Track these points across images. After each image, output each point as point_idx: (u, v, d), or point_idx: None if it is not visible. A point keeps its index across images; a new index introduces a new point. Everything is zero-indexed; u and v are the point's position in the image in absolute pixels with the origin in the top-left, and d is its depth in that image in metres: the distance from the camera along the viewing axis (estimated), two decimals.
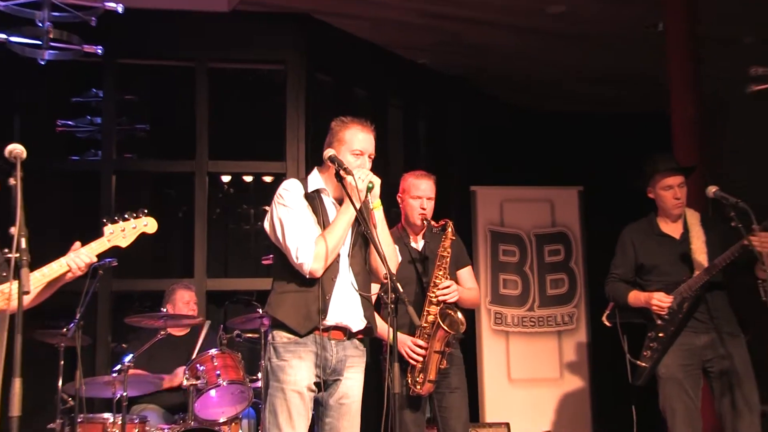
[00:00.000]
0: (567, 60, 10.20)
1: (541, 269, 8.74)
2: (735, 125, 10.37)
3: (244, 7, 8.57)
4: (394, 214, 8.58)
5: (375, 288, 4.77)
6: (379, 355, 5.78)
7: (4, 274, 4.31)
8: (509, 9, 8.79)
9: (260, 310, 6.53)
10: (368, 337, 4.68)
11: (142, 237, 4.89)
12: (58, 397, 6.42)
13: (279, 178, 5.50)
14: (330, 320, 4.35)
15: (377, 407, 4.41)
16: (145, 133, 9.35)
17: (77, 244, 4.58)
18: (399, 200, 5.83)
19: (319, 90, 8.88)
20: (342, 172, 4.31)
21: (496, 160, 10.68)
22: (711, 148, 7.52)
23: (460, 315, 5.52)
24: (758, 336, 5.67)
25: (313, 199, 4.53)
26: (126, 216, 4.73)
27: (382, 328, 5.23)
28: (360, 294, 4.50)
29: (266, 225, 4.57)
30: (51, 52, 5.14)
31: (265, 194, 4.63)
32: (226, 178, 9.12)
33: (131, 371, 6.47)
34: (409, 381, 5.45)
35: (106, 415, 6.45)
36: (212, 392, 6.45)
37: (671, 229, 5.85)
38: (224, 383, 6.40)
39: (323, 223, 4.46)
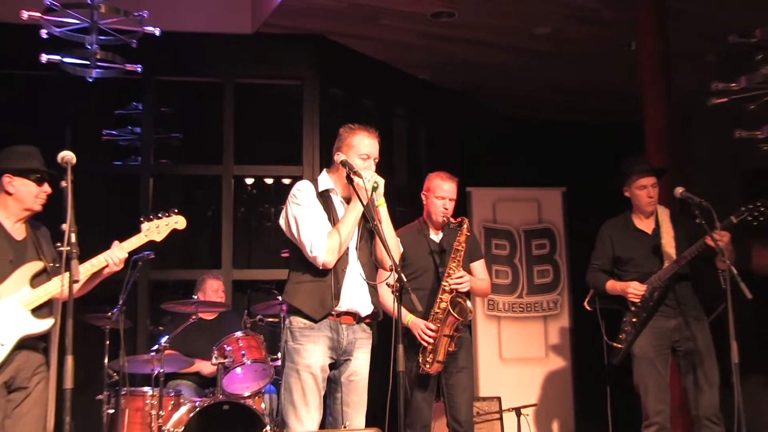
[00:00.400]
0: (551, 75, 10.20)
1: (529, 261, 8.72)
2: (699, 133, 10.37)
3: (266, 30, 8.60)
4: (398, 213, 8.64)
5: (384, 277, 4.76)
6: (385, 338, 5.80)
7: (57, 265, 4.39)
8: (501, 31, 8.80)
9: (279, 298, 6.55)
10: (374, 321, 4.68)
11: (174, 232, 4.97)
12: (105, 372, 6.51)
13: (296, 180, 5.55)
14: (342, 306, 4.38)
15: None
16: (179, 141, 9.34)
17: (116, 242, 4.66)
18: (423, 197, 5.79)
19: (332, 102, 8.88)
20: (352, 174, 4.32)
21: (489, 164, 10.67)
22: (678, 153, 7.52)
23: (469, 304, 5.53)
24: (719, 319, 5.69)
25: (324, 198, 4.54)
26: (160, 215, 4.84)
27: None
28: (367, 282, 4.51)
29: (281, 222, 4.59)
30: (97, 70, 5.13)
31: (284, 195, 4.65)
32: (249, 181, 9.13)
33: (167, 351, 6.55)
34: (420, 360, 5.44)
35: (146, 388, 6.54)
36: (238, 370, 6.50)
37: (644, 225, 5.89)
38: (248, 362, 6.46)
39: (333, 219, 4.48)
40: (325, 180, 4.62)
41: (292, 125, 8.79)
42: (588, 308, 6.05)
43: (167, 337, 6.67)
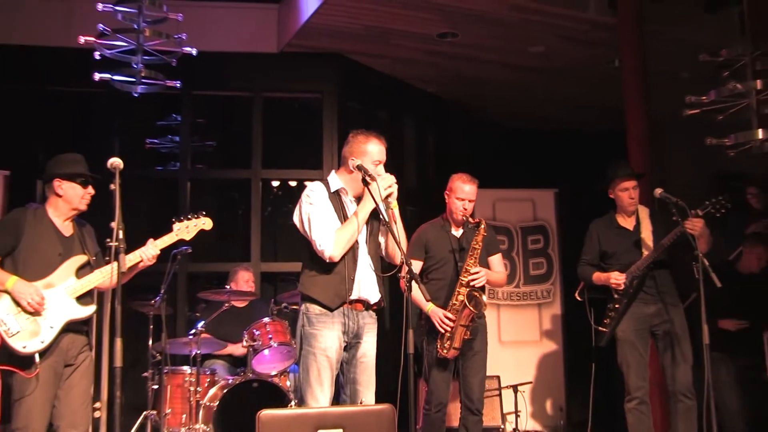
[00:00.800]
0: (545, 89, 10.20)
1: (525, 254, 8.68)
2: (674, 141, 10.34)
3: (290, 49, 8.64)
4: (408, 212, 8.69)
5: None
6: (418, 321, 5.83)
7: (107, 258, 4.46)
8: (499, 50, 8.83)
9: None
10: (379, 308, 4.63)
11: (203, 232, 5.02)
12: (149, 353, 6.62)
13: None
14: (354, 295, 4.36)
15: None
16: (213, 149, 9.31)
17: (150, 240, 4.69)
18: (446, 196, 5.76)
19: (349, 113, 8.87)
20: (368, 179, 4.31)
21: (489, 168, 10.65)
22: (657, 158, 7.54)
23: (484, 298, 5.56)
24: (693, 305, 5.73)
25: (335, 197, 4.50)
26: (190, 216, 4.88)
27: (420, 299, 5.24)
28: (376, 274, 4.50)
29: (295, 219, 4.56)
30: (142, 86, 5.18)
31: None
32: (275, 183, 9.17)
33: (203, 335, 6.60)
34: (438, 346, 5.45)
35: (185, 367, 6.61)
36: (266, 351, 6.56)
37: (627, 222, 5.90)
38: (275, 344, 6.51)
39: (344, 216, 4.43)
40: (336, 181, 4.57)
41: (314, 134, 8.81)
42: (578, 298, 6.07)
43: (203, 322, 6.72)
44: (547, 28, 8.27)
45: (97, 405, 6.62)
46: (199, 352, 6.44)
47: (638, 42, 7.49)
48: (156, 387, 6.59)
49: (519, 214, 8.82)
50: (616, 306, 5.73)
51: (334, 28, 8.15)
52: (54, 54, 8.14)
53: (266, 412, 3.62)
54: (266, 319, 6.65)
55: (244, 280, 7.37)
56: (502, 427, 7.56)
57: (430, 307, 5.45)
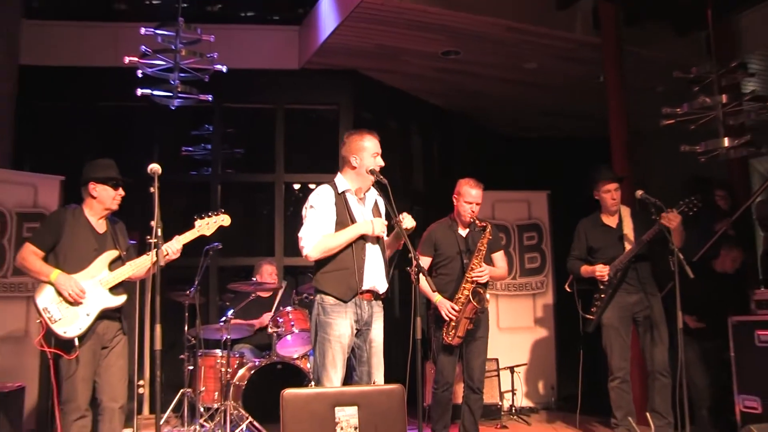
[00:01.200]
0: (538, 101, 10.24)
1: (521, 250, 8.61)
2: (652, 147, 10.35)
3: (310, 66, 8.71)
4: (415, 212, 8.67)
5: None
6: (427, 311, 5.88)
7: (148, 253, 4.53)
8: (497, 66, 8.87)
9: None
10: (387, 297, 4.61)
11: (237, 228, 5.04)
12: (185, 338, 6.62)
13: None
14: (364, 286, 4.36)
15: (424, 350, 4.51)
16: (241, 155, 9.39)
17: (176, 236, 4.69)
18: (454, 199, 5.71)
19: (362, 123, 8.76)
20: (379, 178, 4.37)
21: (489, 172, 10.66)
22: (637, 163, 7.57)
23: (488, 295, 5.59)
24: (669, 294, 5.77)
25: (341, 198, 4.46)
26: (210, 214, 4.86)
27: (428, 291, 5.34)
28: (384, 268, 4.49)
29: (303, 215, 4.54)
30: (178, 100, 5.22)
31: None
32: (296, 186, 9.18)
33: (232, 321, 6.60)
34: (444, 333, 5.47)
35: (217, 351, 6.63)
36: (288, 337, 6.55)
37: (610, 221, 5.94)
38: (297, 330, 6.50)
39: (349, 215, 4.41)
40: (343, 182, 4.52)
41: (330, 142, 8.80)
42: (568, 290, 6.09)
43: (232, 310, 6.74)
44: (540, 47, 8.33)
45: (141, 383, 6.75)
46: (229, 337, 6.45)
47: (620, 60, 7.55)
48: (191, 368, 6.63)
49: (515, 214, 8.77)
50: (602, 296, 5.78)
51: (349, 47, 8.21)
52: (102, 73, 8.26)
53: (289, 391, 3.68)
54: (288, 308, 6.65)
55: (268, 272, 7.39)
56: (500, 403, 7.56)
57: (438, 298, 5.45)
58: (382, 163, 4.48)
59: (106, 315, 4.62)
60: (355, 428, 3.71)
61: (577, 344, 6.23)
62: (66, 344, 4.46)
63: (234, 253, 8.57)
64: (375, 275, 4.43)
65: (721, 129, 5.73)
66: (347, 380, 4.51)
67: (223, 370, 6.44)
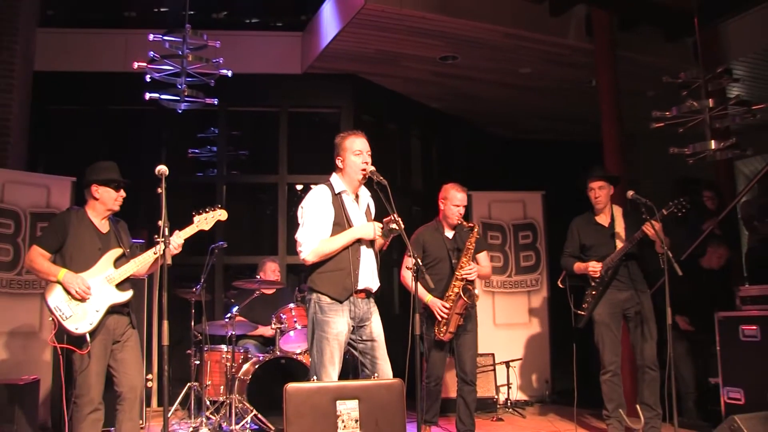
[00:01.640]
0: (532, 105, 10.25)
1: (516, 248, 8.60)
2: (643, 150, 10.38)
3: (312, 70, 8.73)
4: (414, 212, 8.69)
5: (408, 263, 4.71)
6: (404, 311, 5.90)
7: (136, 249, 4.60)
8: (493, 70, 8.90)
9: None
10: (377, 294, 4.60)
11: (231, 228, 5.04)
12: (192, 333, 6.66)
13: None
14: (360, 285, 4.35)
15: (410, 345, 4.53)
16: (245, 157, 9.41)
17: (176, 231, 4.68)
18: (441, 204, 5.78)
19: (363, 126, 8.74)
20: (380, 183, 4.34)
21: (486, 173, 10.69)
22: (628, 165, 7.58)
23: (477, 291, 5.64)
24: (659, 291, 5.78)
25: (337, 198, 4.45)
26: (207, 209, 4.88)
27: (421, 292, 5.42)
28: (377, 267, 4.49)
29: (299, 215, 4.53)
30: (185, 104, 5.21)
31: None
32: (299, 187, 9.12)
33: (237, 318, 6.63)
34: (436, 330, 5.54)
35: (222, 346, 6.64)
36: (291, 333, 6.56)
37: (602, 219, 5.92)
38: (299, 327, 6.52)
39: (345, 216, 4.41)
40: (338, 183, 4.52)
41: (332, 144, 8.77)
42: (561, 285, 6.09)
43: (237, 307, 6.77)
44: (535, 53, 8.35)
45: (149, 377, 6.75)
46: (234, 332, 6.47)
47: (612, 65, 7.59)
48: (198, 362, 6.64)
49: (511, 214, 8.77)
50: (593, 293, 5.78)
51: (350, 52, 8.23)
52: (112, 78, 8.32)
53: (292, 385, 3.70)
54: (291, 305, 6.66)
55: (272, 270, 7.39)
56: (496, 397, 7.56)
57: (429, 298, 5.52)
58: (368, 160, 4.45)
59: (114, 310, 4.64)
60: (356, 421, 3.73)
61: (570, 339, 6.22)
62: (78, 340, 4.48)
63: (239, 252, 8.57)
64: (368, 275, 4.42)
65: (708, 132, 5.75)
66: (355, 375, 4.54)
67: (228, 364, 6.45)
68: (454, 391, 5.87)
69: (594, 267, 5.73)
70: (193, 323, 6.65)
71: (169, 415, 5.18)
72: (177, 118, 6.44)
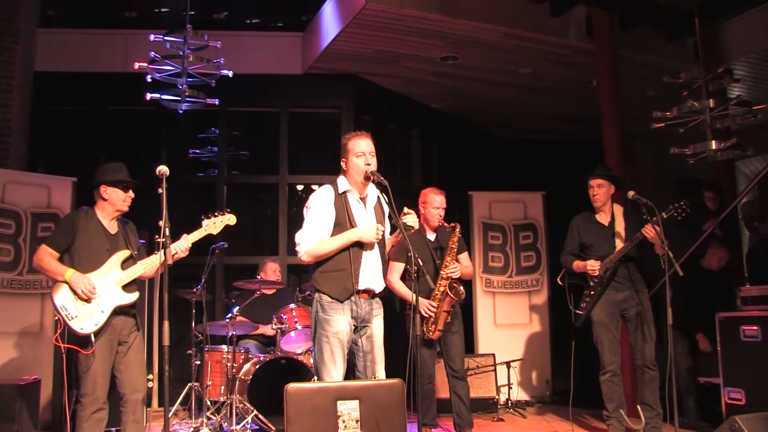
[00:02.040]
0: (533, 105, 10.24)
1: (517, 249, 8.59)
2: (644, 150, 10.38)
3: (313, 71, 8.72)
4: (415, 212, 8.64)
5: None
6: (404, 311, 5.94)
7: (156, 252, 4.58)
8: (493, 70, 8.89)
9: None
10: (386, 296, 4.61)
11: (241, 227, 5.07)
12: (192, 333, 6.65)
13: None
14: (361, 286, 4.34)
15: (404, 345, 4.55)
16: (246, 157, 9.41)
17: (184, 234, 4.75)
18: (421, 208, 5.87)
19: (363, 126, 8.74)
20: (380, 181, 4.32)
21: (486, 173, 10.69)
22: (629, 165, 7.58)
23: (462, 288, 5.68)
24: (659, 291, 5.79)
25: (341, 198, 4.42)
26: (216, 213, 4.91)
27: (407, 293, 5.61)
28: (381, 267, 4.47)
29: (304, 214, 4.53)
30: (186, 104, 5.24)
31: None
32: (300, 187, 9.18)
33: (238, 318, 6.67)
34: (425, 329, 5.63)
35: (223, 346, 6.66)
36: (292, 333, 6.56)
37: (603, 218, 5.92)
38: (300, 327, 6.52)
39: (348, 218, 4.38)
40: (344, 183, 4.48)
41: (333, 144, 8.75)
42: (560, 283, 6.10)
43: (238, 307, 6.80)
44: (535, 53, 8.34)
45: (150, 377, 6.76)
46: (234, 333, 6.48)
47: (613, 65, 7.58)
48: (198, 363, 6.65)
49: (512, 214, 8.77)
50: (592, 293, 5.79)
51: (351, 52, 8.22)
52: (112, 78, 8.32)
53: (293, 385, 3.70)
54: (292, 305, 6.67)
55: (272, 270, 7.39)
56: (497, 397, 7.56)
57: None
58: (371, 162, 4.42)
59: (120, 311, 4.68)
60: (357, 421, 3.73)
61: (569, 338, 6.23)
62: (82, 340, 4.52)
63: (239, 252, 8.58)
64: (371, 276, 4.41)
65: (708, 132, 5.77)
66: (350, 375, 4.51)
67: (228, 365, 6.45)
68: (446, 391, 5.99)
69: (593, 265, 5.73)
70: (193, 323, 6.65)
71: (169, 415, 5.17)
72: (177, 119, 6.46)
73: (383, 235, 4.50)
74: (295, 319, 6.56)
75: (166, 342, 3.97)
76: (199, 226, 4.88)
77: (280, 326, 6.53)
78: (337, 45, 7.98)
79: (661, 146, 6.12)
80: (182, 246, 4.71)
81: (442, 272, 5.67)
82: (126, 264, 4.74)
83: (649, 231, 5.33)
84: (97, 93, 8.56)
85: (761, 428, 4.57)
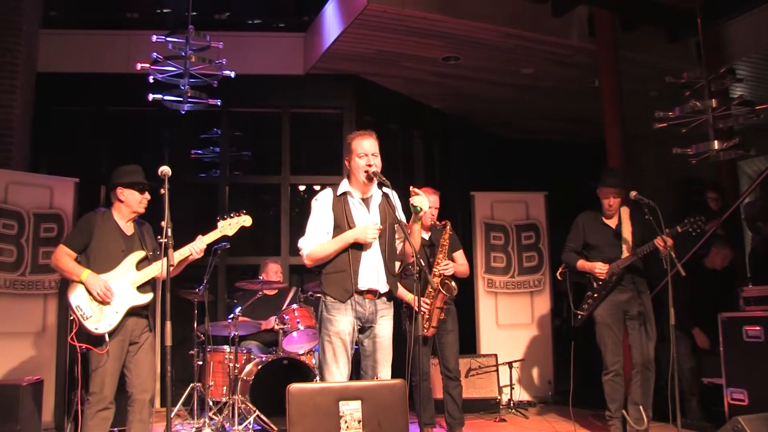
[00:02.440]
0: (535, 105, 10.25)
1: (519, 249, 8.60)
2: (646, 150, 10.37)
3: (314, 71, 8.73)
4: None
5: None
6: (399, 309, 5.94)
7: (158, 252, 4.61)
8: (495, 71, 8.89)
9: None
10: (392, 297, 4.56)
11: (243, 229, 5.12)
12: (195, 334, 6.65)
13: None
14: (363, 286, 4.33)
15: (400, 344, 4.56)
16: (248, 158, 9.42)
17: (199, 236, 4.82)
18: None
19: (365, 126, 8.71)
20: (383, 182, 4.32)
21: (488, 173, 10.71)
22: (631, 164, 7.58)
23: (454, 284, 5.72)
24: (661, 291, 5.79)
25: (339, 200, 4.43)
26: (232, 214, 4.98)
27: (402, 292, 5.60)
28: (385, 267, 4.42)
29: None
30: (188, 105, 5.24)
31: None
32: (302, 188, 9.19)
33: (240, 318, 6.67)
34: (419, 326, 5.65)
35: (225, 347, 6.66)
36: (294, 333, 6.57)
37: (610, 221, 5.92)
38: (302, 327, 6.52)
39: (347, 219, 4.38)
40: (345, 185, 4.48)
41: (334, 144, 8.84)
42: (559, 278, 6.11)
43: (240, 308, 6.80)
44: (537, 53, 8.35)
45: None
46: (236, 333, 6.49)
47: (615, 65, 7.58)
48: (200, 363, 6.66)
49: (514, 214, 8.77)
50: (595, 295, 5.78)
51: (352, 53, 8.23)
52: (115, 79, 8.33)
53: (295, 386, 3.70)
54: (294, 306, 6.67)
55: (274, 271, 7.40)
56: (499, 398, 7.56)
57: (410, 297, 5.69)
58: (372, 163, 4.39)
59: (134, 312, 4.74)
60: (359, 422, 3.73)
61: (570, 338, 6.23)
62: (97, 340, 4.58)
63: (241, 253, 8.57)
64: (373, 276, 4.39)
65: (711, 132, 5.77)
66: (355, 375, 4.52)
67: (231, 365, 6.46)
68: (441, 391, 6.09)
69: (601, 269, 5.73)
70: (195, 324, 6.66)
71: (172, 415, 5.17)
72: (180, 119, 6.46)
73: (393, 234, 4.50)
74: (297, 320, 6.57)
75: (169, 342, 3.96)
76: (214, 227, 4.96)
77: (282, 326, 6.54)
78: (339, 45, 7.99)
79: (663, 146, 6.11)
80: (197, 247, 4.81)
81: (434, 269, 5.74)
82: (141, 265, 4.79)
83: (661, 244, 5.31)
84: (99, 94, 8.58)
85: (764, 429, 4.56)
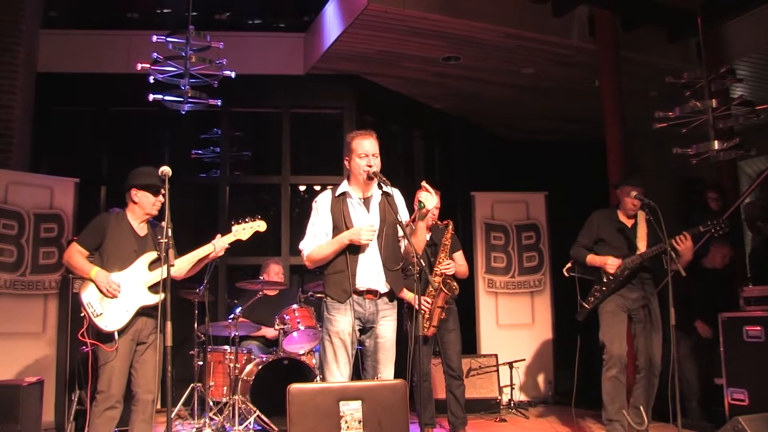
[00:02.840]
0: (535, 105, 10.24)
1: (520, 249, 8.61)
2: (646, 149, 10.37)
3: (315, 71, 8.74)
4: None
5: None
6: (401, 309, 5.94)
7: (186, 253, 4.74)
8: (496, 71, 8.89)
9: None
10: (393, 297, 4.54)
11: (257, 234, 5.15)
12: (195, 334, 6.67)
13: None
14: (362, 287, 4.34)
15: (400, 344, 4.55)
16: (248, 158, 9.42)
17: (218, 236, 4.90)
18: (416, 207, 5.89)
19: (365, 126, 8.74)
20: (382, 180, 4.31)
21: (488, 173, 10.70)
22: (631, 164, 7.58)
23: (455, 283, 5.76)
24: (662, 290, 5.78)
25: (338, 200, 4.44)
26: (247, 219, 5.03)
27: (402, 292, 5.47)
28: (384, 267, 4.40)
29: None
30: (188, 105, 5.25)
31: None
32: (302, 188, 9.19)
33: (240, 319, 6.68)
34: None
35: (225, 347, 6.65)
36: (294, 333, 6.54)
37: (626, 220, 5.83)
38: (302, 327, 6.51)
39: (345, 220, 4.38)
40: (344, 185, 4.49)
41: (335, 145, 8.86)
42: (567, 275, 6.01)
43: (240, 308, 6.81)
44: (537, 53, 8.35)
45: None
46: (237, 333, 6.49)
47: (615, 65, 7.59)
48: (201, 363, 6.67)
49: (514, 214, 8.78)
50: (603, 288, 5.70)
51: (353, 53, 8.23)
52: (115, 79, 8.35)
53: (295, 386, 3.70)
54: (294, 306, 6.66)
55: (275, 271, 7.39)
56: (499, 398, 7.57)
57: (410, 296, 5.66)
58: (372, 164, 4.38)
59: (144, 312, 4.79)
60: (359, 422, 3.73)
61: (574, 340, 6.21)
62: (106, 337, 4.64)
63: (242, 253, 8.47)
64: (373, 277, 4.39)
65: (711, 132, 5.76)
66: (357, 375, 4.53)
67: (231, 365, 6.46)
68: (443, 392, 6.11)
69: (612, 263, 5.66)
70: (196, 324, 6.67)
71: (172, 415, 5.18)
72: (180, 119, 6.46)
73: (395, 234, 4.48)
74: (298, 320, 6.56)
75: (169, 342, 3.99)
76: (229, 230, 5.02)
77: (282, 327, 6.54)
78: (339, 45, 7.99)
79: (663, 146, 6.12)
80: (221, 245, 4.93)
81: (435, 269, 5.77)
82: (153, 266, 4.83)
83: (680, 243, 5.30)
84: (99, 94, 8.59)
85: (764, 429, 4.57)
